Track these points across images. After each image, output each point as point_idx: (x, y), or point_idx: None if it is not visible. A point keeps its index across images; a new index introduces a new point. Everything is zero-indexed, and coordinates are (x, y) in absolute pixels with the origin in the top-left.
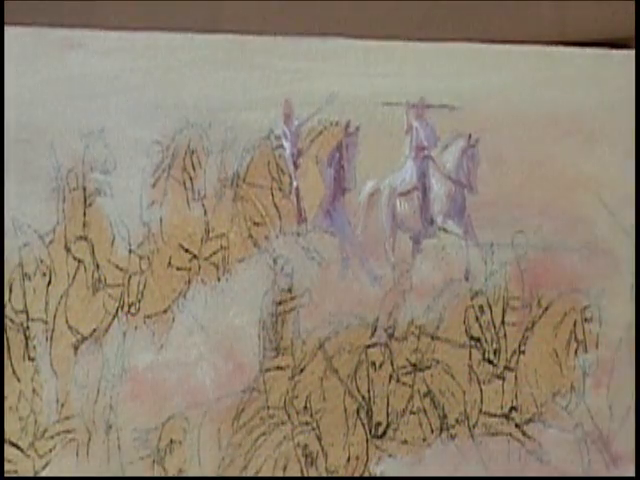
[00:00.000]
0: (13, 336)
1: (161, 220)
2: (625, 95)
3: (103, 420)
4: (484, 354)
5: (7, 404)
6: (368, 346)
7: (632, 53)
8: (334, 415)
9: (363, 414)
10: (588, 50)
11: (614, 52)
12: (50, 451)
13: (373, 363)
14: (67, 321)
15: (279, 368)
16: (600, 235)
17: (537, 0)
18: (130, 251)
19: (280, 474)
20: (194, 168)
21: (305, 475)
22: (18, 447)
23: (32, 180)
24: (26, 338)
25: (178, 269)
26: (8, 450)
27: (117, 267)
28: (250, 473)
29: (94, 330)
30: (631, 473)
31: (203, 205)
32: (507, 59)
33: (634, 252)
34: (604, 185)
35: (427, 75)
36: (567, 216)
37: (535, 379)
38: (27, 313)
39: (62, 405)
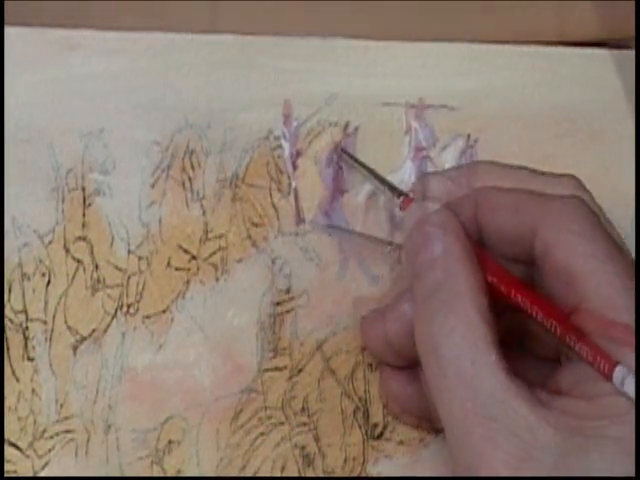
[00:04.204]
0: (12, 336)
1: (160, 220)
2: (625, 95)
3: (102, 420)
4: None
5: (6, 404)
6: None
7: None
8: (331, 416)
9: (360, 415)
10: (588, 50)
11: (614, 52)
12: (49, 451)
13: (370, 364)
14: (66, 321)
15: (277, 369)
16: None
17: (537, 0)
18: (129, 251)
19: (278, 474)
20: (193, 168)
21: (303, 475)
22: (17, 447)
23: (31, 180)
24: (25, 338)
25: (177, 269)
26: (7, 450)
27: (116, 267)
28: (248, 473)
29: (93, 330)
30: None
31: (202, 205)
32: (507, 59)
33: (634, 252)
34: (604, 185)
35: (426, 75)
36: None
37: None
38: (26, 313)
39: (61, 405)
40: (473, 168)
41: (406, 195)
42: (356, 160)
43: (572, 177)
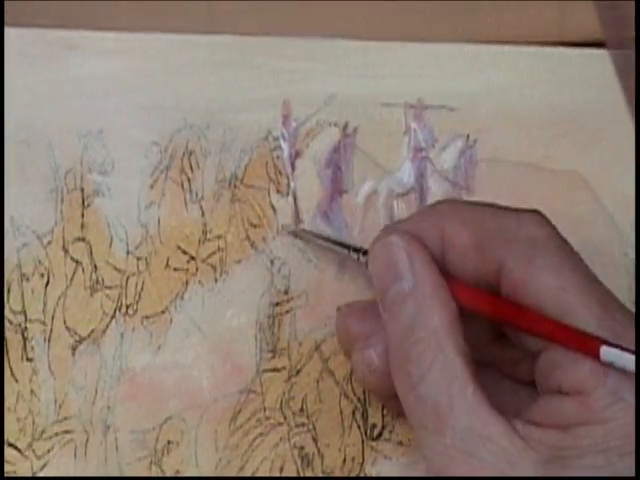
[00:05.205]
0: (11, 337)
1: (159, 221)
2: (625, 95)
3: (101, 421)
4: None
5: (5, 405)
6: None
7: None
8: (330, 416)
9: (358, 416)
10: (588, 50)
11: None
12: (48, 452)
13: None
14: (65, 322)
15: (276, 369)
16: (599, 236)
17: (537, 0)
18: (128, 252)
19: (277, 475)
20: (192, 169)
21: (302, 475)
22: (16, 448)
23: (30, 181)
24: (24, 339)
25: (176, 270)
26: (6, 451)
27: (115, 268)
28: (247, 474)
29: (92, 331)
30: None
31: (201, 206)
32: (507, 59)
33: (633, 253)
34: (603, 185)
35: (426, 76)
36: (566, 217)
37: None
38: (25, 314)
39: (60, 406)
40: (436, 209)
41: (365, 252)
42: (317, 235)
43: (536, 213)
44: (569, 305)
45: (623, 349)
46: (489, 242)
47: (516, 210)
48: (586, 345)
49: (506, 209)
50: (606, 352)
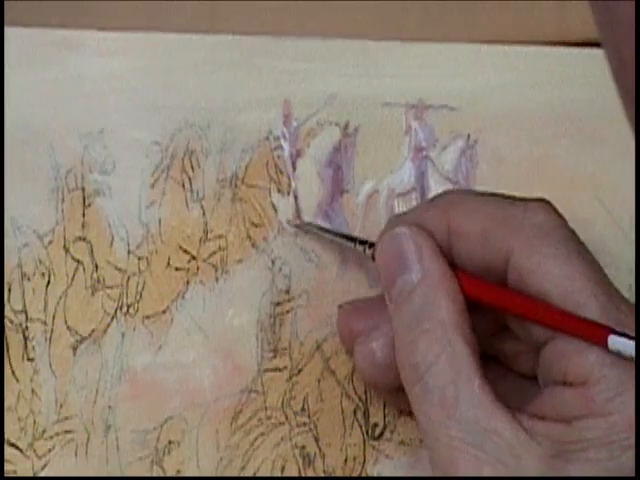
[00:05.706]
0: (12, 336)
1: (160, 221)
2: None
3: (102, 420)
4: None
5: (6, 404)
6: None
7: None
8: (331, 416)
9: (360, 415)
10: (588, 50)
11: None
12: (49, 451)
13: None
14: (66, 322)
15: (277, 369)
16: (598, 235)
17: (537, 0)
18: (129, 252)
19: (278, 474)
20: (193, 169)
21: (303, 475)
22: (17, 447)
23: (31, 181)
24: (25, 338)
25: (177, 270)
26: (7, 450)
27: (116, 268)
28: (248, 474)
29: (93, 331)
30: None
31: (202, 206)
32: (507, 59)
33: (633, 252)
34: (603, 185)
35: (427, 75)
36: (566, 216)
37: None
38: (26, 313)
39: (61, 405)
40: (442, 199)
41: (371, 244)
42: (322, 228)
43: (543, 201)
44: (575, 294)
45: (631, 338)
46: (495, 231)
47: (523, 199)
48: (594, 334)
49: (513, 198)
50: (614, 341)
